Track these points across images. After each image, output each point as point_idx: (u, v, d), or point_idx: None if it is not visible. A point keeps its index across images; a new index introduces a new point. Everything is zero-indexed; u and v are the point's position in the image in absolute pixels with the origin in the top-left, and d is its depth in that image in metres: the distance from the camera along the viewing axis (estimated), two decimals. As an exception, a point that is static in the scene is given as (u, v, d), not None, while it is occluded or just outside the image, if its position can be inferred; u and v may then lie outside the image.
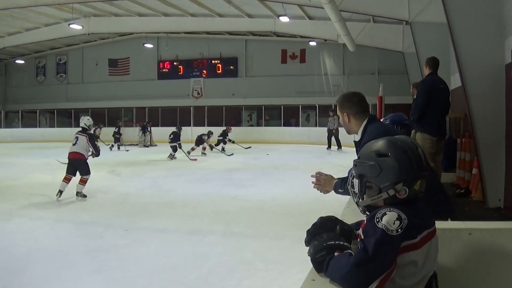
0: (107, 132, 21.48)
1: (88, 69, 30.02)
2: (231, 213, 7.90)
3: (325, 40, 23.22)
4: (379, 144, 1.93)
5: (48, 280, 4.72)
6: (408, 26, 13.57)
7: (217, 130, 19.85)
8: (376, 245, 1.69)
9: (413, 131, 6.08)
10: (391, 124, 4.50)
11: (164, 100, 27.89)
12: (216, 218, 7.53)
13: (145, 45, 27.37)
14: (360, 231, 1.89)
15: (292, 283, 4.54)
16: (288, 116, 26.35)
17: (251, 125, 27.48)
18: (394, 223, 1.71)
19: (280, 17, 19.85)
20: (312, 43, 24.66)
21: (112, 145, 21.18)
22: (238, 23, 22.54)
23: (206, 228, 6.90)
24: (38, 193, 9.72)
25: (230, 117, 26.94)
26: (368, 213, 1.92)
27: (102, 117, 26.46)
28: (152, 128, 24.42)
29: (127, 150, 20.74)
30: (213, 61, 28.10)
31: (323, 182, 3.18)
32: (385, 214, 1.75)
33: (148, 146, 23.43)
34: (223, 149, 19.29)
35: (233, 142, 19.88)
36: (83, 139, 9.12)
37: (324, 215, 2.08)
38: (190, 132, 22.64)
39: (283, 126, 26.05)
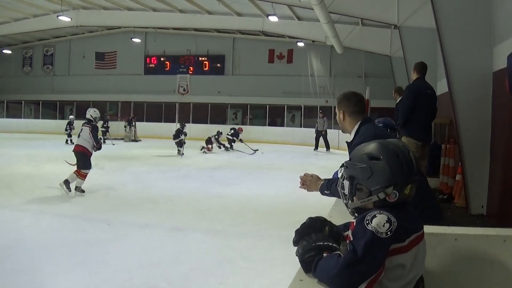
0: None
1: (75, 62, 29.81)
2: (214, 211, 7.89)
3: (313, 41, 23.30)
4: (371, 146, 1.93)
5: (29, 272, 4.65)
6: (396, 30, 13.64)
7: (217, 129, 19.82)
8: (366, 247, 1.69)
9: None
10: (384, 127, 4.52)
11: (149, 96, 27.75)
12: (200, 215, 7.50)
13: (133, 39, 27.18)
14: (349, 233, 1.89)
15: (273, 282, 4.56)
16: (274, 116, 26.40)
17: (236, 124, 27.38)
18: (383, 226, 1.72)
19: (269, 17, 19.92)
20: (300, 44, 24.65)
21: (100, 138, 20.92)
22: (227, 21, 22.57)
23: (189, 225, 6.88)
24: (21, 184, 9.64)
25: (215, 114, 26.93)
26: (357, 215, 1.93)
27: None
28: (137, 123, 24.31)
29: (113, 144, 20.63)
30: (200, 58, 28.05)
31: (309, 182, 3.17)
32: (375, 216, 1.75)
33: (136, 141, 23.32)
34: (231, 147, 19.53)
35: (241, 141, 19.79)
36: (86, 130, 9.09)
37: (307, 215, 2.08)
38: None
39: (268, 126, 26.09)
